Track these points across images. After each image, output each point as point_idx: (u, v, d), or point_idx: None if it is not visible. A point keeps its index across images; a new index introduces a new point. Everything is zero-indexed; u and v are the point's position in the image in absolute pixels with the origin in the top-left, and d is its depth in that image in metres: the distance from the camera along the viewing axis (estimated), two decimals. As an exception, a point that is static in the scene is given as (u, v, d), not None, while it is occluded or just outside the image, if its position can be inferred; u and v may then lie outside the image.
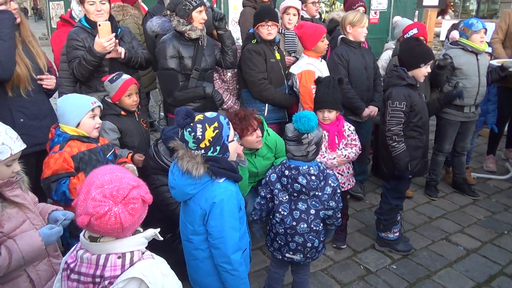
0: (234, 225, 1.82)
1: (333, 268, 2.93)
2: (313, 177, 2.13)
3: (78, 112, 2.30)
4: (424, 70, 2.83)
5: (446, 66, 3.53)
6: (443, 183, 4.22)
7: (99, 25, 2.75)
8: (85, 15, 2.95)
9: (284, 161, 2.22)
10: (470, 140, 3.95)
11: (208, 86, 3.04)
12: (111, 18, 2.96)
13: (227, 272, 1.81)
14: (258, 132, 2.70)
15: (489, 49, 4.09)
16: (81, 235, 1.34)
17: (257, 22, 3.20)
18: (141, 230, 1.39)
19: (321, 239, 2.29)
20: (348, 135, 2.91)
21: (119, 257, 1.29)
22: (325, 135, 2.76)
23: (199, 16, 2.94)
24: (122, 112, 2.77)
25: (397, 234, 3.09)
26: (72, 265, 1.33)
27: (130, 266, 1.28)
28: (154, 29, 3.16)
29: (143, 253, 1.34)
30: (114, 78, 2.73)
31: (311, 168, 2.14)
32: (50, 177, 2.21)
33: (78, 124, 2.31)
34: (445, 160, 4.14)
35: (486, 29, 3.57)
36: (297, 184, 2.13)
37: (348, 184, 3.00)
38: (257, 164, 2.86)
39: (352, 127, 2.96)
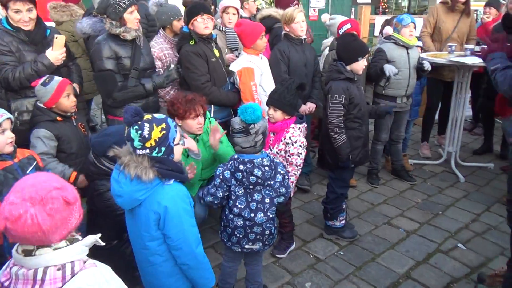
0: (192, 222, 1.84)
1: (284, 260, 3.00)
2: (266, 168, 2.19)
3: None
4: (361, 63, 2.96)
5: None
6: (384, 171, 4.45)
7: (56, 37, 2.75)
8: (6, 16, 2.76)
9: (235, 157, 2.24)
10: (404, 129, 4.20)
11: (147, 82, 2.97)
12: (38, 20, 2.83)
13: (192, 268, 1.83)
14: (200, 119, 2.69)
15: (420, 43, 4.38)
16: (13, 250, 1.25)
17: (192, 17, 3.11)
18: (80, 238, 1.32)
19: (275, 225, 2.37)
20: (287, 143, 2.73)
21: (58, 269, 1.21)
22: None
23: (132, 17, 2.88)
24: (58, 118, 2.63)
25: (343, 221, 3.23)
26: (6, 284, 1.24)
27: (71, 277, 1.21)
28: (85, 30, 3.05)
29: (84, 262, 1.28)
30: (46, 81, 2.58)
31: (264, 159, 2.21)
32: None
33: None
34: (384, 149, 4.38)
35: (414, 24, 3.82)
36: (252, 177, 2.18)
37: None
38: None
39: (296, 139, 2.71)
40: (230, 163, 2.25)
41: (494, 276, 2.60)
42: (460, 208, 3.71)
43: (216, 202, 2.27)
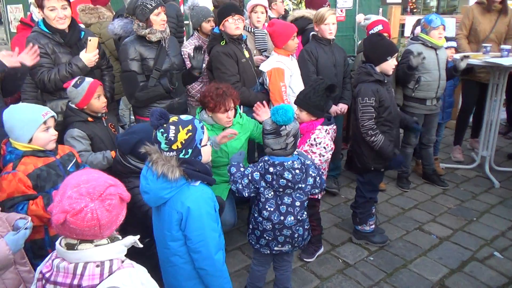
0: (213, 226, 1.81)
1: (313, 264, 2.95)
2: (297, 171, 2.15)
3: (28, 128, 2.05)
4: (391, 63, 2.88)
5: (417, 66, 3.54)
6: (414, 175, 4.33)
7: (90, 40, 2.81)
8: (43, 19, 2.83)
9: (266, 159, 2.21)
10: (435, 132, 4.07)
11: (163, 79, 2.96)
12: (73, 22, 2.88)
13: (210, 274, 1.80)
14: (230, 113, 2.71)
15: (454, 43, 4.24)
16: (57, 243, 1.29)
17: (223, 18, 3.14)
18: (120, 237, 1.35)
19: (306, 227, 2.31)
20: (311, 144, 2.66)
21: (97, 266, 1.24)
22: None
23: (158, 18, 2.90)
24: (89, 118, 2.68)
25: (373, 226, 3.15)
26: (47, 275, 1.28)
27: (109, 275, 1.24)
28: (117, 31, 3.09)
29: (122, 261, 1.30)
30: (78, 83, 2.62)
31: (294, 162, 2.16)
32: (5, 202, 1.98)
33: (31, 139, 2.08)
34: (415, 152, 4.27)
35: (444, 26, 3.70)
36: (282, 180, 2.14)
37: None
38: (227, 143, 2.80)
39: (321, 141, 2.63)
40: (260, 164, 2.22)
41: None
42: (495, 215, 3.57)
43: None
